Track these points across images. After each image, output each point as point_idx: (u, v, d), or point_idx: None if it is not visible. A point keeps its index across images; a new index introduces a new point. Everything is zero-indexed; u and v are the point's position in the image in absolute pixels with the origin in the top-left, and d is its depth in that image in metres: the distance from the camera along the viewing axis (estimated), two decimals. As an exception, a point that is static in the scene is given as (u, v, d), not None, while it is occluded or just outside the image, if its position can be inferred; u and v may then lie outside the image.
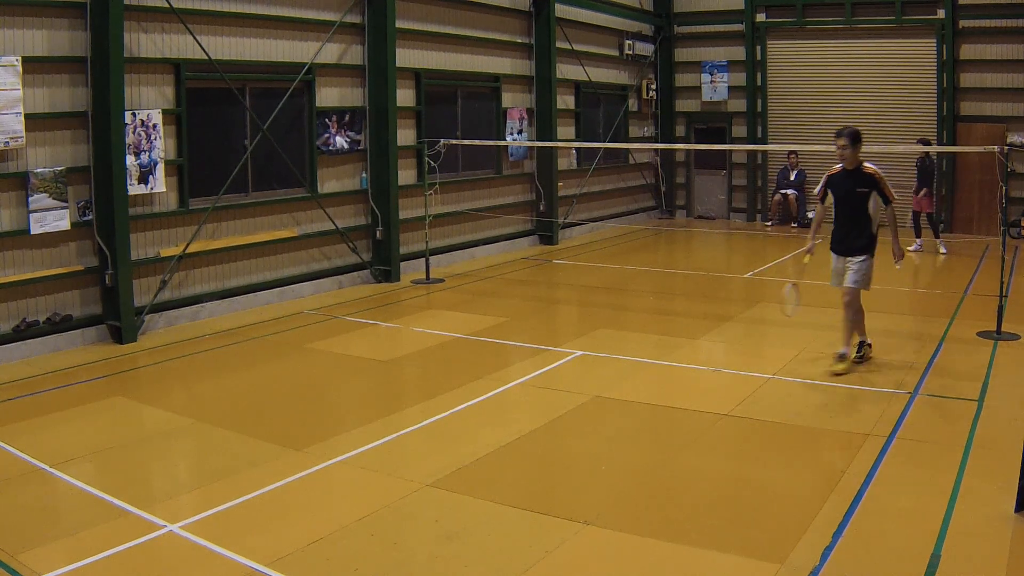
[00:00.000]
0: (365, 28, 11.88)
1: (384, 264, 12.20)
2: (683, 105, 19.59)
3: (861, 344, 7.72)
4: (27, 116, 8.16)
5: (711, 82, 19.01)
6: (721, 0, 18.63)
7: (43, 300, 8.55)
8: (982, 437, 5.92)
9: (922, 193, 14.46)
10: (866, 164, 7.51)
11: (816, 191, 8.12)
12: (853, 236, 7.52)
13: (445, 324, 9.65)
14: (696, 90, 19.24)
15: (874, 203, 7.47)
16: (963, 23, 16.17)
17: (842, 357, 7.52)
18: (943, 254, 14.28)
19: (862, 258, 7.48)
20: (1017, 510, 4.71)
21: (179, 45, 9.58)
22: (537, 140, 15.26)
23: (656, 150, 19.39)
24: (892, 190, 7.50)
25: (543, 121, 15.43)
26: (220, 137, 10.39)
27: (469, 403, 6.87)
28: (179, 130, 9.67)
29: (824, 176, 7.83)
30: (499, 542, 4.60)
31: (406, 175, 12.74)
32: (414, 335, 9.32)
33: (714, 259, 15.16)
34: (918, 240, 14.63)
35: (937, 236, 14.63)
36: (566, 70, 16.23)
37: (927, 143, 14.73)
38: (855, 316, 7.56)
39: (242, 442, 6.10)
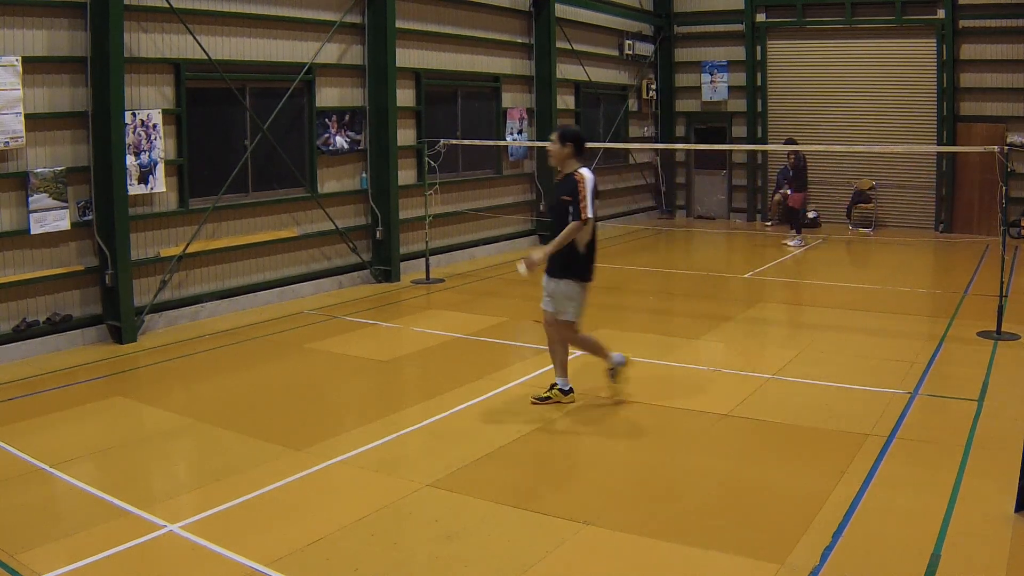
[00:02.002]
0: (365, 28, 11.88)
1: (384, 264, 12.19)
2: (683, 105, 19.59)
3: (567, 389, 6.75)
4: (27, 116, 8.16)
5: (711, 82, 19.01)
6: (721, 0, 18.64)
7: (43, 300, 8.55)
8: (982, 437, 5.92)
9: (787, 188, 15.28)
10: (579, 171, 6.37)
11: None
12: (557, 252, 6.44)
13: (445, 324, 9.64)
14: (696, 90, 19.24)
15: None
16: (963, 23, 16.17)
17: (552, 389, 6.73)
18: (789, 245, 15.09)
19: (562, 281, 6.48)
20: (1017, 510, 4.70)
21: (179, 45, 9.58)
22: (537, 140, 15.24)
23: (656, 150, 19.38)
24: (590, 206, 6.25)
25: (543, 121, 15.42)
26: (220, 137, 10.39)
27: (469, 403, 6.87)
28: (179, 130, 9.66)
29: None
30: (499, 542, 4.60)
31: (406, 175, 12.74)
32: (414, 335, 9.32)
33: (714, 259, 15.17)
34: (797, 236, 15.29)
35: (798, 232, 15.34)
36: (566, 70, 16.23)
37: (794, 142, 15.34)
38: (586, 347, 6.71)
39: (242, 442, 6.09)
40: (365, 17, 11.87)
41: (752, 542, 4.52)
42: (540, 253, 6.46)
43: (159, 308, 9.50)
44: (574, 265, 6.45)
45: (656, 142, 19.55)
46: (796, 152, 15.03)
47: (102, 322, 8.99)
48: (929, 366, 7.71)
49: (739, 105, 18.65)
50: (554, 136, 6.51)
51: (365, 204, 12.16)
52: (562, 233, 6.35)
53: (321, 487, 5.38)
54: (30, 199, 8.26)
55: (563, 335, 6.62)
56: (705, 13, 18.95)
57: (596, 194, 6.39)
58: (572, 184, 6.34)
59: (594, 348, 6.77)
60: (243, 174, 10.48)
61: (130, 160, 8.99)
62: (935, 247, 15.44)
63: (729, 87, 18.82)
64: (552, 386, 6.80)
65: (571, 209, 6.29)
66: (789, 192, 15.43)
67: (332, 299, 11.09)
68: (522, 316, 10.30)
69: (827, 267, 13.68)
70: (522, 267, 6.46)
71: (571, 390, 6.81)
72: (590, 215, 6.28)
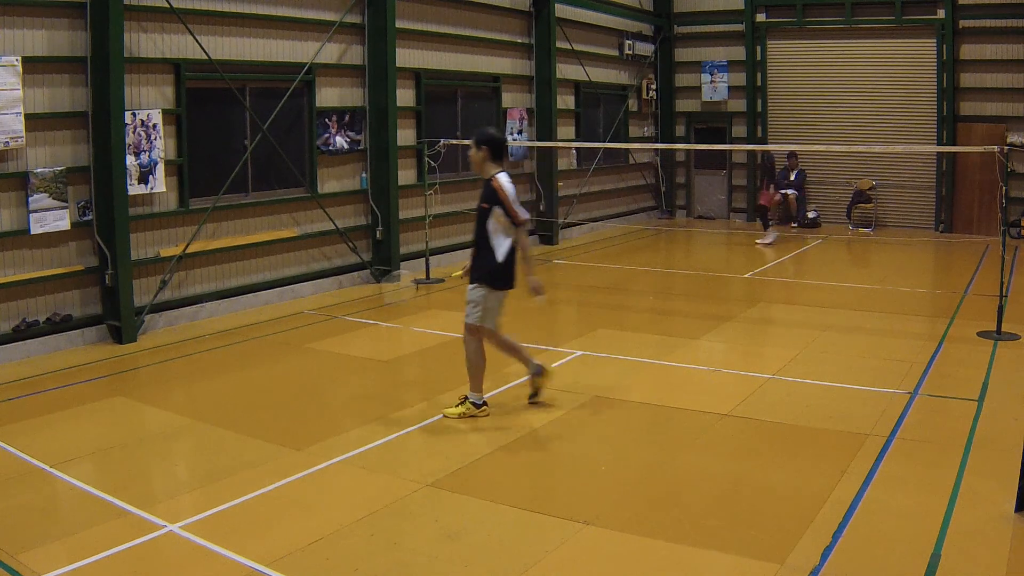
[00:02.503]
0: (365, 28, 11.88)
1: (384, 264, 12.19)
2: (683, 105, 19.58)
3: (465, 399, 6.52)
4: (27, 116, 8.16)
5: (711, 82, 19.01)
6: (721, 0, 18.64)
7: (43, 300, 8.55)
8: (982, 437, 5.92)
9: (766, 187, 15.51)
10: (496, 176, 6.25)
11: None
12: (476, 259, 6.38)
13: (445, 324, 9.63)
14: (696, 90, 19.24)
15: (494, 222, 6.27)
16: (963, 23, 16.17)
17: (464, 402, 6.53)
18: (759, 244, 15.32)
19: (474, 287, 6.36)
20: (1017, 510, 4.71)
21: (179, 45, 9.58)
22: (537, 140, 15.26)
23: (656, 150, 19.38)
24: (518, 210, 6.21)
25: (543, 121, 15.43)
26: (220, 137, 10.39)
27: (469, 403, 6.86)
28: (179, 130, 9.66)
29: None
30: (499, 542, 4.60)
31: (406, 175, 12.74)
32: (414, 335, 9.32)
33: (714, 259, 15.17)
34: (773, 233, 15.60)
35: (765, 228, 15.65)
36: (566, 70, 16.23)
37: (764, 142, 15.40)
38: (471, 358, 6.46)
39: (242, 442, 6.09)
40: (365, 17, 11.87)
41: (752, 542, 4.52)
42: (535, 277, 6.47)
43: (159, 308, 9.50)
44: (492, 273, 6.34)
45: (656, 142, 19.54)
46: (765, 152, 15.16)
47: (102, 322, 8.99)
48: (929, 366, 7.71)
49: (739, 105, 18.65)
50: (472, 140, 6.41)
51: (365, 204, 12.16)
52: (522, 245, 6.38)
53: (321, 487, 5.38)
54: (30, 199, 8.26)
55: (465, 337, 6.49)
56: (705, 13, 18.94)
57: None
58: (490, 190, 6.26)
59: (476, 368, 6.48)
60: (243, 174, 10.48)
61: (130, 160, 8.99)
62: (935, 247, 15.44)
63: (729, 87, 18.82)
64: (533, 382, 6.75)
65: (489, 215, 6.27)
66: (766, 190, 15.61)
67: (332, 299, 11.09)
68: (522, 316, 10.29)
69: (827, 267, 13.68)
70: (539, 298, 6.46)
71: (542, 369, 6.71)
72: (525, 216, 6.27)
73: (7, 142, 8.02)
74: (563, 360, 8.12)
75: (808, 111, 17.93)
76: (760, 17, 18.20)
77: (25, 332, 8.37)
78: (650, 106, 19.45)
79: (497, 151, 6.36)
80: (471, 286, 6.42)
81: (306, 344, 8.91)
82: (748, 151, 18.37)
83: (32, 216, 8.29)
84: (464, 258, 13.83)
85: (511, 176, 6.39)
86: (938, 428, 6.19)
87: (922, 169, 17.07)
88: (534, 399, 6.78)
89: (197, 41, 9.60)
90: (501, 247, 6.31)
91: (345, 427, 6.46)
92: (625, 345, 8.69)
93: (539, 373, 6.71)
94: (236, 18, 10.21)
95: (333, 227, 11.55)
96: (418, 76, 12.94)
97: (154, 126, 9.25)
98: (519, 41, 15.16)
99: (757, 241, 15.49)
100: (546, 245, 15.59)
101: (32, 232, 8.31)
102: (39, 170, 8.32)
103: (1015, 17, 15.58)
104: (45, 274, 8.51)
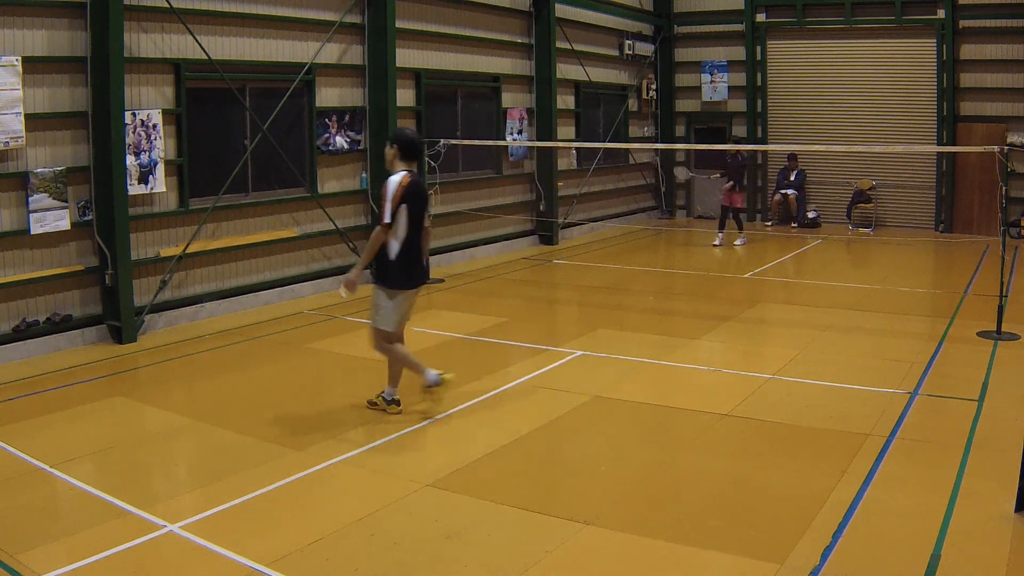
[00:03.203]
0: (365, 28, 11.88)
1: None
2: (683, 105, 19.58)
3: (390, 399, 6.62)
4: (27, 116, 8.16)
5: (711, 82, 19.01)
6: (721, 0, 18.64)
7: (43, 300, 8.55)
8: (982, 437, 5.92)
9: (733, 188, 15.22)
10: (395, 175, 6.31)
11: None
12: (376, 258, 6.34)
13: (445, 324, 9.64)
14: (696, 90, 19.24)
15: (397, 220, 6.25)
16: (963, 23, 16.17)
17: (388, 400, 6.62)
18: (737, 245, 15.24)
19: (374, 287, 6.39)
20: (1017, 510, 4.71)
21: (179, 45, 9.58)
22: (537, 140, 15.25)
23: (656, 150, 19.38)
24: (388, 210, 6.17)
25: (543, 121, 15.42)
26: (220, 137, 10.39)
27: (469, 403, 6.87)
28: (179, 130, 9.66)
29: None
30: (499, 542, 4.60)
31: (406, 175, 12.72)
32: (414, 335, 9.27)
33: (714, 259, 15.16)
34: (720, 234, 15.43)
35: (740, 229, 15.54)
36: (566, 70, 16.23)
37: (738, 140, 15.46)
38: (392, 360, 6.51)
39: (242, 442, 6.09)
40: (365, 17, 11.87)
41: (752, 542, 4.52)
42: (355, 270, 6.34)
43: (159, 308, 9.49)
44: (384, 272, 6.32)
45: (656, 142, 19.54)
46: (738, 152, 15.03)
47: (102, 322, 8.98)
48: (929, 366, 7.71)
49: (739, 105, 18.64)
50: (389, 139, 6.47)
51: (365, 204, 12.16)
52: (372, 239, 6.32)
53: (321, 487, 5.38)
54: (30, 199, 8.26)
55: (374, 342, 6.51)
56: (705, 13, 18.94)
57: (408, 199, 6.24)
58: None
59: (407, 363, 6.51)
60: (243, 174, 10.48)
61: (130, 160, 8.99)
62: (935, 247, 15.45)
63: (729, 87, 18.82)
64: (390, 399, 6.66)
65: (404, 214, 6.28)
66: (736, 191, 15.28)
67: (332, 299, 11.07)
68: (522, 316, 10.31)
69: (827, 267, 13.68)
70: (343, 291, 6.35)
71: (397, 401, 6.64)
72: (387, 220, 6.17)
73: (7, 142, 8.02)
74: (563, 360, 8.13)
75: (808, 111, 17.93)
76: (760, 17, 18.20)
77: (25, 332, 8.37)
78: (650, 106, 19.45)
79: (406, 151, 6.39)
80: (372, 286, 6.42)
81: (306, 344, 8.91)
82: (748, 151, 18.35)
83: (32, 216, 8.29)
84: (461, 259, 13.90)
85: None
86: (938, 428, 6.19)
87: (922, 169, 17.07)
88: (373, 405, 6.70)
89: (197, 41, 9.60)
90: (393, 246, 6.25)
91: (345, 427, 6.45)
92: (625, 345, 8.69)
93: (393, 401, 6.64)
94: (236, 18, 10.21)
95: (333, 227, 11.55)
96: (418, 76, 12.94)
97: (154, 126, 9.25)
98: (519, 41, 15.16)
99: (713, 243, 15.40)
100: (546, 245, 15.59)
101: (32, 232, 8.31)
102: (39, 170, 8.32)
103: (1015, 17, 15.58)
104: (45, 274, 8.51)
